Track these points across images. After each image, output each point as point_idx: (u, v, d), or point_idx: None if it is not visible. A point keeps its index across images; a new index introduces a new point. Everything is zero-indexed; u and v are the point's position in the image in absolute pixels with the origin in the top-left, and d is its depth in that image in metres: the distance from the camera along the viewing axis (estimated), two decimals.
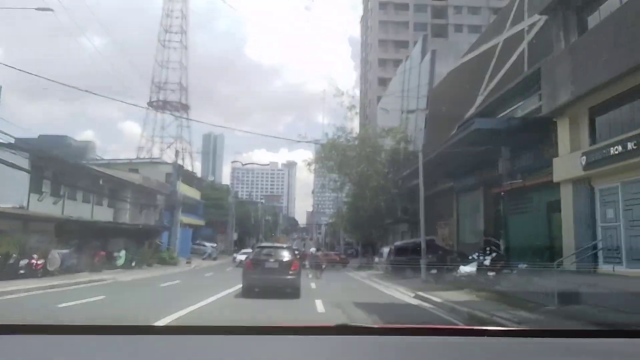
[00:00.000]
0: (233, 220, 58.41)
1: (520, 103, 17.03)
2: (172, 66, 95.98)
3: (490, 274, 13.21)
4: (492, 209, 23.97)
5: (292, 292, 13.44)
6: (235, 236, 59.23)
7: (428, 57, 36.77)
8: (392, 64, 69.36)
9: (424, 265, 19.67)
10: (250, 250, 31.31)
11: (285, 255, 14.42)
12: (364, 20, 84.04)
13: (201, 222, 57.84)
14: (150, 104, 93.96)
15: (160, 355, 1.65)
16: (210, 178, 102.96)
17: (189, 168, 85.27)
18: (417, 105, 35.81)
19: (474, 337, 1.91)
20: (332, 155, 35.40)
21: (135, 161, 46.66)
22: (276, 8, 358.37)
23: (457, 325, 7.31)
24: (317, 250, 35.78)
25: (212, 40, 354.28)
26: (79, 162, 30.42)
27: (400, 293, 16.58)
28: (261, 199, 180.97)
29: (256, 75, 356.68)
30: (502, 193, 14.70)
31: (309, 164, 37.00)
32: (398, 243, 28.45)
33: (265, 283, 13.56)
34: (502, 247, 15.85)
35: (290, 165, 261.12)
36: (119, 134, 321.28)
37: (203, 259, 45.33)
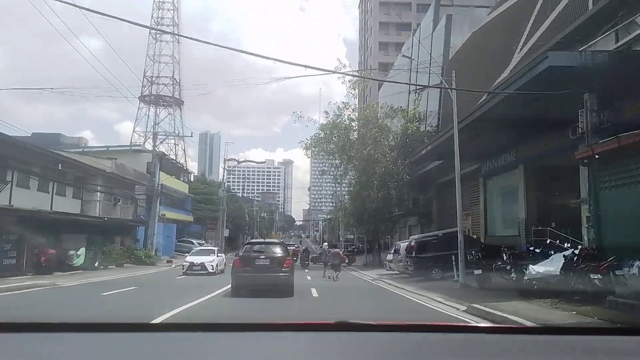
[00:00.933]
0: (224, 216, 53.54)
1: (594, 40, 12.25)
2: (165, 60, 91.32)
3: (595, 277, 8.48)
4: (536, 192, 19.29)
5: (284, 290, 12.50)
6: (226, 233, 54.30)
7: (442, 23, 31.95)
8: (394, 47, 64.75)
9: (461, 264, 14.86)
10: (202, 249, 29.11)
11: (278, 252, 13.41)
12: (362, 3, 79.26)
13: (189, 218, 52.97)
14: (142, 98, 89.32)
15: (157, 352, 1.64)
16: (207, 176, 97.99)
17: (183, 164, 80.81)
18: (430, 80, 31.03)
19: (473, 334, 1.93)
20: (333, 137, 30.53)
21: (114, 148, 41.59)
22: (270, 9, 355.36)
23: (457, 322, 6.49)
24: (332, 246, 29.97)
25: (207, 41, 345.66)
26: (32, 145, 25.34)
27: (438, 302, 11.88)
28: (257, 196, 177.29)
29: (251, 76, 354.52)
30: (590, 158, 10.02)
31: (305, 148, 32.00)
32: (417, 236, 23.65)
33: (256, 281, 12.64)
34: (587, 238, 11.13)
35: (287, 163, 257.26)
36: (115, 135, 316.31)
37: None
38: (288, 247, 17.48)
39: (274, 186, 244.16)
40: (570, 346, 1.71)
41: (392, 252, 24.45)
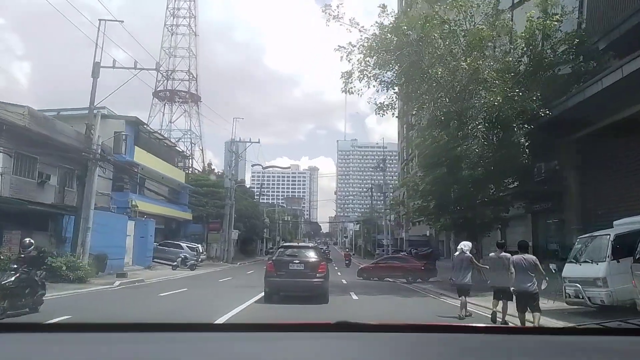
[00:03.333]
0: (232, 213, 40.38)
1: None
2: (181, 54, 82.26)
3: None
4: None
5: (319, 297, 12.08)
6: (234, 235, 41.04)
7: None
8: None
9: None
10: None
11: (312, 256, 13.09)
12: None
13: (186, 215, 40.03)
14: (156, 94, 79.74)
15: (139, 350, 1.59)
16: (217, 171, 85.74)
17: (199, 166, 69.00)
18: None
19: (472, 334, 1.92)
20: (399, 38, 16.26)
21: (69, 112, 28.79)
22: (291, 17, 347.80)
23: (456, 323, 6.57)
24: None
25: (230, 51, 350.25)
26: None
27: None
28: (282, 201, 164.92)
29: (275, 85, 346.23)
30: None
31: (348, 52, 16.97)
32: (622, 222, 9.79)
33: (289, 287, 12.39)
34: None
35: (313, 170, 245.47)
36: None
37: (173, 268, 27.44)
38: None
39: (300, 193, 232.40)
40: (571, 347, 1.71)
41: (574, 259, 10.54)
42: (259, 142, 47.66)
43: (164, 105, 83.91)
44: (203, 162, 78.82)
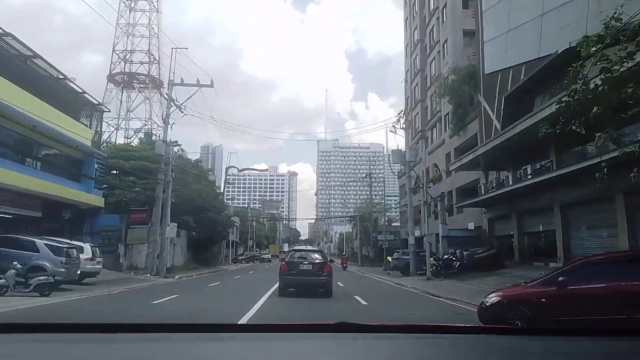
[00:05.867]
0: (168, 196, 25.02)
1: None
2: (140, 33, 69.08)
3: None
4: None
5: (324, 292, 14.16)
6: (171, 231, 25.43)
7: None
8: None
9: None
10: None
11: (318, 258, 14.99)
12: None
13: (91, 199, 24.45)
14: (110, 78, 67.22)
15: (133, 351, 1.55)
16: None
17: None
18: None
19: (471, 335, 1.91)
20: None
21: None
22: (270, 22, 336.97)
23: (455, 323, 5.30)
24: None
25: (208, 55, 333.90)
26: None
27: None
28: (258, 204, 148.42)
29: (254, 90, 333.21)
30: None
31: None
32: None
33: (300, 283, 14.29)
34: None
35: (292, 175, 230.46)
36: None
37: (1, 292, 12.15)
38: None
39: (278, 197, 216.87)
40: (571, 347, 1.69)
41: None
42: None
43: (122, 90, 69.23)
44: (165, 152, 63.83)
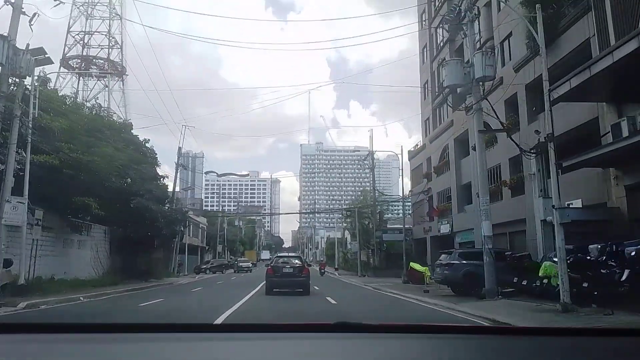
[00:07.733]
0: (27, 156, 12.51)
1: None
2: (99, 14, 60.65)
3: None
4: None
5: (303, 290, 17.29)
6: (16, 214, 12.91)
7: None
8: None
9: None
10: None
11: (298, 263, 18.49)
12: None
13: None
14: (64, 62, 57.81)
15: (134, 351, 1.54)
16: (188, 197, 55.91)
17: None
18: None
19: (472, 335, 1.89)
20: None
21: None
22: (249, 29, 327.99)
23: (456, 323, 6.04)
24: None
25: (186, 64, 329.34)
26: None
27: None
28: (238, 209, 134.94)
29: (234, 98, 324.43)
30: None
31: None
32: None
33: (283, 283, 17.43)
34: None
35: (274, 182, 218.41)
36: None
37: None
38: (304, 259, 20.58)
39: (260, 201, 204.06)
40: (571, 348, 1.67)
41: None
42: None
43: (78, 78, 59.87)
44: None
